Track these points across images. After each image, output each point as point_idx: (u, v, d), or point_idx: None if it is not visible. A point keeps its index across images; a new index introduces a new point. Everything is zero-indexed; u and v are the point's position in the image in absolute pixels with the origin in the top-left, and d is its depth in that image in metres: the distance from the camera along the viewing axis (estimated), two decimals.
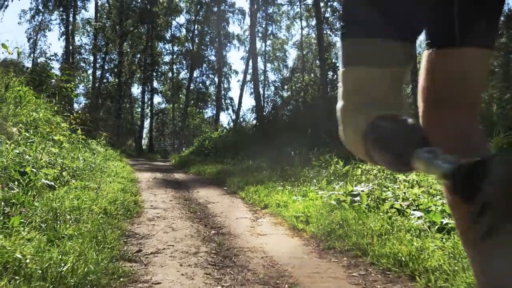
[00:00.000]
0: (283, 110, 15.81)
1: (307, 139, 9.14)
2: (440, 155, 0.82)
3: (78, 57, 36.43)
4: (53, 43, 50.02)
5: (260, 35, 35.46)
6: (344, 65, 1.06)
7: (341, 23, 1.09)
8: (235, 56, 76.75)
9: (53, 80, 10.80)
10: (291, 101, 16.58)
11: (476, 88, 1.20)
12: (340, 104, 1.05)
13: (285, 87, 36.62)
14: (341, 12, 1.74)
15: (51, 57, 13.13)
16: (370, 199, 4.14)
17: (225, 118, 41.99)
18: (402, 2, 0.99)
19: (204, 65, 40.18)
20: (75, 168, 5.03)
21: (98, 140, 11.70)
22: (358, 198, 4.25)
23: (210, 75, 41.27)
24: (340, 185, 5.02)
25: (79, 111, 9.01)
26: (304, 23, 36.87)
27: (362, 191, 4.35)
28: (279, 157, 9.29)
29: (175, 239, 3.24)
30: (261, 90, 28.89)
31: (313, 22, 34.64)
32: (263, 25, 36.45)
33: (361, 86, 1.04)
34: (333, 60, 22.88)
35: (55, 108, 8.91)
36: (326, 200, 4.45)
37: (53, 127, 8.17)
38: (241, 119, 32.20)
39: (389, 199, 4.01)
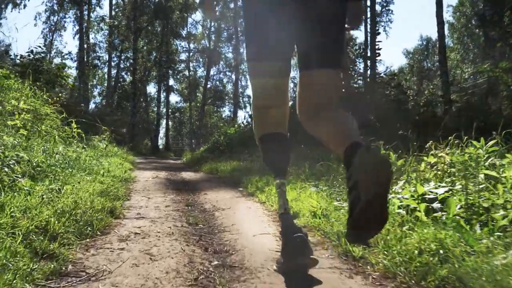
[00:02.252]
0: None
1: None
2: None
3: (92, 55, 35.67)
4: (68, 42, 49.25)
5: None
6: (250, 77, 2.20)
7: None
8: None
9: (45, 68, 9.58)
10: None
11: (333, 95, 2.00)
12: (252, 105, 2.25)
13: None
14: None
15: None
16: (458, 207, 2.70)
17: (243, 117, 40.66)
18: (273, 41, 1.99)
19: (221, 62, 39.21)
20: (35, 164, 3.68)
21: (102, 136, 10.41)
22: (438, 205, 2.82)
23: (228, 73, 40.32)
24: (400, 185, 3.59)
25: (61, 96, 7.64)
26: None
27: (443, 194, 2.92)
28: (306, 151, 7.89)
29: (146, 281, 1.86)
30: None
31: None
32: None
33: (260, 91, 2.14)
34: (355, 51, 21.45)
35: (44, 96, 7.63)
36: None
37: (39, 117, 6.92)
38: None
39: (495, 207, 2.56)
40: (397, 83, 14.15)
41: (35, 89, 7.71)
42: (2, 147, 3.54)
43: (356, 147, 1.59)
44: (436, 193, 3.00)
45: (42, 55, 9.39)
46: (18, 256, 1.84)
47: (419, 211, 2.75)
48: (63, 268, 1.93)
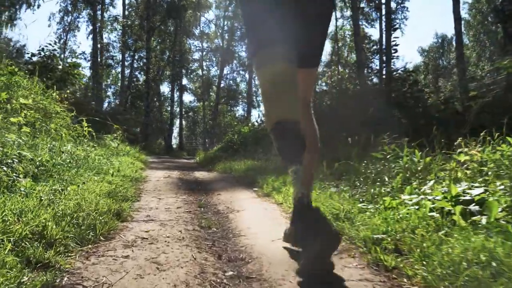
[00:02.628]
0: (322, 100, 14.07)
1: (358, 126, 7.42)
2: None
3: (106, 55, 35.73)
4: (82, 42, 49.44)
5: None
6: (256, 71, 2.14)
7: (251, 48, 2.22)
8: None
9: (59, 67, 9.42)
10: (333, 90, 14.89)
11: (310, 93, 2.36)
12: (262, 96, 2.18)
13: (319, 81, 35.02)
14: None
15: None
16: (500, 209, 2.42)
17: (256, 116, 40.39)
18: (270, 33, 2.05)
19: (235, 61, 39.04)
20: (38, 163, 3.47)
21: (114, 135, 10.25)
22: (476, 207, 2.54)
23: (241, 72, 40.16)
24: (430, 185, 3.31)
25: (69, 93, 7.46)
26: (338, 14, 35.00)
27: (479, 195, 2.65)
28: (322, 150, 7.62)
29: None
30: None
31: (348, 13, 33.17)
32: None
33: (267, 79, 2.06)
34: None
35: (54, 94, 7.46)
36: (414, 209, 2.76)
37: (48, 115, 6.76)
38: None
39: None
40: (414, 79, 13.80)
41: (45, 87, 7.56)
42: (20, 148, 3.34)
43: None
44: (471, 194, 2.73)
45: (53, 52, 9.23)
46: (7, 266, 1.62)
47: (455, 214, 2.48)
48: (57, 280, 1.69)
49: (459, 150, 4.16)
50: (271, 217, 3.44)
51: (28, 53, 10.09)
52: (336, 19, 34.58)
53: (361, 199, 3.49)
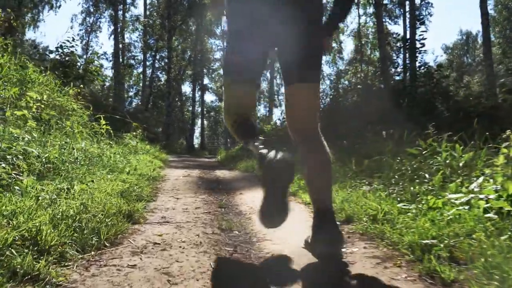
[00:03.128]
0: (345, 97, 13.68)
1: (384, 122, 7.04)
2: (259, 146, 2.03)
3: (128, 55, 35.80)
4: (104, 42, 49.75)
5: None
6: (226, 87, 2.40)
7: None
8: None
9: (78, 64, 9.24)
10: (357, 86, 14.46)
11: (313, 116, 2.29)
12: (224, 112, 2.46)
13: (341, 79, 34.55)
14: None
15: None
16: None
17: (278, 115, 40.01)
18: (253, 59, 2.23)
19: None
20: (44, 160, 3.20)
21: (133, 133, 10.03)
22: None
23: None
24: (478, 183, 2.93)
25: (82, 89, 7.20)
26: (361, 11, 34.44)
27: None
28: (349, 147, 7.25)
29: None
30: None
31: (371, 10, 32.63)
32: None
33: (234, 97, 2.35)
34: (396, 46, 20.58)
35: (70, 91, 7.23)
36: (464, 210, 2.40)
37: (64, 112, 6.55)
38: None
39: None
40: (443, 74, 13.34)
41: (61, 83, 7.33)
42: (25, 143, 3.08)
43: (321, 217, 2.10)
44: None
45: (71, 49, 9.04)
46: None
47: None
48: None
49: (504, 144, 3.76)
50: (299, 219, 3.10)
51: (46, 49, 9.89)
52: (359, 16, 34.12)
53: (399, 198, 3.12)
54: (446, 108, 9.98)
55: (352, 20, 38.60)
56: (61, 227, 1.93)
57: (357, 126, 9.13)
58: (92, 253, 1.92)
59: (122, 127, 10.09)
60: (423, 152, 4.30)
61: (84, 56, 33.42)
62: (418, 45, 13.56)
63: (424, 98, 10.99)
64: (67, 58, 8.90)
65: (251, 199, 4.05)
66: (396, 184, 3.61)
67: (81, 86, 7.53)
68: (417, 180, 3.49)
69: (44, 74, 7.20)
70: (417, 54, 13.23)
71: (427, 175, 3.51)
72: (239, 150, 12.90)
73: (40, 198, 2.21)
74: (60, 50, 9.17)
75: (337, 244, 2.05)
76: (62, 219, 2.03)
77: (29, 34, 33.17)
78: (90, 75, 8.84)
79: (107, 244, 2.09)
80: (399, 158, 4.48)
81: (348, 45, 54.41)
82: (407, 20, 26.16)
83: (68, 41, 8.92)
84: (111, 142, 6.37)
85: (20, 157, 2.99)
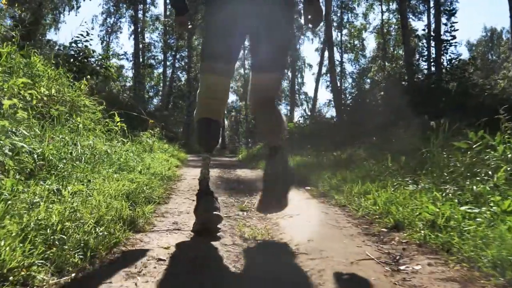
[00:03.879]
0: (372, 93, 13.08)
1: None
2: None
3: (148, 55, 35.61)
4: (125, 43, 49.69)
5: (335, 24, 32.99)
6: (202, 73, 2.54)
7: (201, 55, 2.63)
8: (309, 49, 73.30)
9: (92, 59, 8.85)
10: (383, 82, 13.88)
11: (273, 93, 2.63)
12: (198, 94, 2.53)
13: (364, 77, 33.81)
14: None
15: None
16: None
17: (300, 114, 39.37)
18: (229, 47, 2.40)
19: None
20: (37, 157, 2.74)
21: (150, 131, 9.58)
22: None
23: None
24: None
25: (90, 82, 6.74)
26: (384, 7, 33.72)
27: None
28: (378, 144, 6.71)
29: None
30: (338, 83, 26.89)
31: (394, 6, 31.87)
32: (338, 14, 34.24)
33: (209, 85, 2.47)
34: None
35: (82, 86, 6.82)
36: None
37: (75, 108, 6.15)
38: (317, 113, 29.69)
39: None
40: (474, 69, 12.70)
41: (72, 78, 6.92)
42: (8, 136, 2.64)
43: (274, 150, 2.41)
44: None
45: (85, 44, 8.64)
46: None
47: None
48: None
49: None
50: (335, 225, 2.58)
51: (60, 44, 9.51)
52: (382, 13, 33.35)
53: (457, 200, 2.57)
54: (480, 102, 9.34)
55: (375, 16, 37.78)
56: (33, 241, 1.45)
57: (385, 123, 8.59)
58: (72, 275, 1.44)
59: (139, 125, 9.67)
60: (473, 146, 3.73)
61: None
62: (448, 37, 12.87)
63: (457, 91, 10.37)
64: (80, 53, 8.50)
65: None
66: (449, 183, 3.06)
67: (95, 81, 7.10)
68: (477, 178, 2.93)
69: (53, 68, 6.80)
70: (447, 47, 12.55)
71: (489, 172, 2.95)
72: (260, 149, 12.39)
73: (16, 202, 1.74)
74: (74, 45, 8.78)
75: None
76: (38, 230, 1.56)
77: (50, 36, 33.11)
78: (105, 71, 8.44)
79: (96, 262, 1.60)
80: (444, 153, 3.91)
81: (370, 43, 53.26)
82: (431, 16, 25.41)
83: (82, 35, 8.52)
84: (124, 140, 5.91)
85: (9, 153, 2.54)
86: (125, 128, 6.66)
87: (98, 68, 8.38)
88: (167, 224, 2.50)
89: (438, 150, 3.80)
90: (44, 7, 28.42)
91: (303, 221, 2.72)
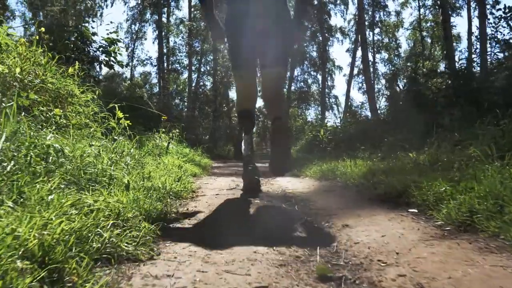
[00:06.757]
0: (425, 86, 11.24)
1: None
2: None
3: (172, 59, 34.40)
4: (149, 48, 48.95)
5: (366, 23, 31.29)
6: (233, 78, 4.12)
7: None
8: (338, 51, 69.66)
9: (94, 44, 7.21)
10: (421, 79, 12.23)
11: (279, 86, 3.67)
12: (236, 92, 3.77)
13: (398, 78, 31.77)
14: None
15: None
16: None
17: (330, 118, 37.12)
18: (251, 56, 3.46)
19: (306, 62, 36.52)
20: None
21: (163, 130, 7.82)
22: None
23: (312, 73, 37.59)
24: None
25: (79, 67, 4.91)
26: (420, 2, 31.92)
27: None
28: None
29: None
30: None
31: (429, 2, 30.10)
32: (369, 12, 32.97)
33: (240, 90, 3.64)
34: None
35: (70, 69, 5.12)
36: None
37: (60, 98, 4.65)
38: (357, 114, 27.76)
39: None
40: None
41: (62, 64, 5.18)
42: None
43: (278, 120, 3.25)
44: None
45: (84, 26, 7.04)
46: None
47: None
48: None
49: None
50: None
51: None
52: (419, 9, 31.47)
53: None
54: None
55: (411, 12, 36.06)
56: None
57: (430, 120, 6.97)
58: None
59: (156, 126, 7.99)
60: None
61: (130, 63, 32.34)
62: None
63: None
64: (79, 38, 6.85)
65: (381, 242, 1.73)
66: None
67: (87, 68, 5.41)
68: None
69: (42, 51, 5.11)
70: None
71: None
72: (298, 152, 10.57)
73: None
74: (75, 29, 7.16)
75: None
76: None
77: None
78: (107, 56, 6.80)
79: None
80: None
81: (403, 42, 50.92)
82: (472, 11, 23.43)
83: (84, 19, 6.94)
84: (122, 139, 4.18)
85: None
86: (126, 125, 4.88)
87: (99, 53, 6.77)
88: None
89: None
90: (66, 12, 27.36)
91: None
